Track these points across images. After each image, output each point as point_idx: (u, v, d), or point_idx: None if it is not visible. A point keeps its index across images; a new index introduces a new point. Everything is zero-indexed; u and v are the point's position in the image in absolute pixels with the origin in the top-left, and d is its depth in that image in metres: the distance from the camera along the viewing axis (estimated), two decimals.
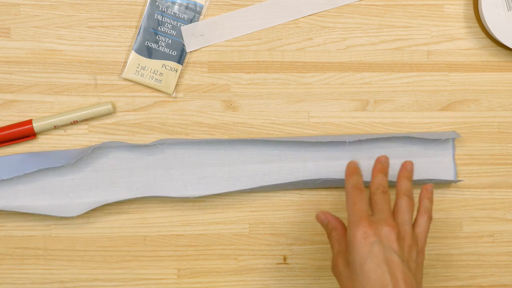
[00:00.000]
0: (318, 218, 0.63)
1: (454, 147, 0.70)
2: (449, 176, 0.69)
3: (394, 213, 0.60)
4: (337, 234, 0.61)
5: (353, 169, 0.62)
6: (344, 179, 0.62)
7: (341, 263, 0.58)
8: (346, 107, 0.69)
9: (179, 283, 0.69)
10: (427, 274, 0.70)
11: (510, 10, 0.67)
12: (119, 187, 0.67)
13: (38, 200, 0.67)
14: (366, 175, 0.68)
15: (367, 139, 0.68)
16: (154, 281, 0.69)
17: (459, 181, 0.69)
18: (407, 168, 0.64)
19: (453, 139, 0.69)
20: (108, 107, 0.67)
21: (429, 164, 0.69)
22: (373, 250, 0.56)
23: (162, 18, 0.67)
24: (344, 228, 0.61)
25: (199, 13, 0.68)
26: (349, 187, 0.60)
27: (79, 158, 0.66)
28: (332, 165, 0.69)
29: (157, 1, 0.67)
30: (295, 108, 0.69)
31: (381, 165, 0.63)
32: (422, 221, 0.61)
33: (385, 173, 0.62)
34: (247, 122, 0.69)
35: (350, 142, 0.68)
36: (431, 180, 0.68)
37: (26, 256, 0.68)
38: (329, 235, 0.62)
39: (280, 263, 0.70)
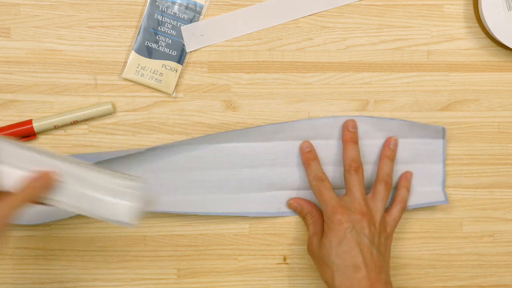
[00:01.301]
0: (291, 205, 0.68)
1: (444, 152, 0.69)
2: (437, 182, 0.69)
3: (370, 196, 0.65)
4: (312, 217, 0.66)
5: (308, 155, 0.67)
6: (303, 163, 0.67)
7: (315, 244, 0.64)
8: (346, 107, 0.69)
9: (179, 283, 0.69)
10: (427, 274, 0.71)
11: (510, 10, 0.67)
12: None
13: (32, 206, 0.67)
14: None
15: (358, 117, 0.68)
16: (154, 281, 0.69)
17: (446, 202, 0.69)
18: (390, 146, 0.67)
19: (444, 145, 0.69)
20: (108, 107, 0.67)
21: (419, 170, 0.69)
22: (347, 234, 0.62)
23: (162, 18, 0.68)
24: (319, 211, 0.67)
25: (199, 13, 0.68)
26: (310, 179, 0.65)
27: None
28: (325, 170, 0.68)
29: (157, 1, 0.67)
30: (295, 108, 0.69)
31: (350, 133, 0.67)
32: (395, 210, 0.66)
33: (355, 141, 0.66)
34: (247, 122, 0.69)
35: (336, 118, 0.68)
36: (419, 204, 0.69)
37: (26, 256, 0.68)
38: (304, 219, 0.67)
39: (280, 263, 0.70)
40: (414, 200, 0.69)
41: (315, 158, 0.67)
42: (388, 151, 0.67)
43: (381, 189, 0.65)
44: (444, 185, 0.70)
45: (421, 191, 0.69)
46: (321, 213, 0.67)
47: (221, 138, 0.67)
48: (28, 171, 0.57)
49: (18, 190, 0.56)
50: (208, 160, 0.68)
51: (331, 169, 0.68)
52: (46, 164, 0.58)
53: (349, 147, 0.66)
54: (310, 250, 0.65)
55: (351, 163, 0.65)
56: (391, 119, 0.68)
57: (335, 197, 0.64)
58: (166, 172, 0.68)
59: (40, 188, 0.56)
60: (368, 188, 0.67)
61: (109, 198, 0.58)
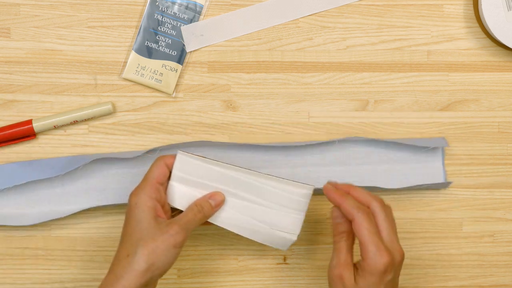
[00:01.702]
0: (333, 213, 0.61)
1: (443, 153, 0.69)
2: (439, 181, 0.69)
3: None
4: (347, 241, 0.59)
5: (338, 192, 0.60)
6: (335, 202, 0.60)
7: (347, 276, 0.58)
8: (346, 107, 0.69)
9: (179, 283, 0.69)
10: (427, 274, 0.70)
11: (510, 10, 0.67)
12: (108, 194, 0.67)
13: (28, 208, 0.66)
14: (357, 181, 0.68)
15: (356, 140, 0.68)
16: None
17: (449, 183, 0.69)
18: (337, 186, 0.61)
19: (443, 155, 0.70)
20: (108, 107, 0.67)
21: (419, 169, 0.69)
22: (387, 284, 0.57)
23: (162, 18, 0.68)
24: (353, 234, 0.60)
25: (199, 13, 0.68)
26: (354, 212, 0.58)
27: (69, 170, 0.65)
28: (321, 171, 0.68)
29: (157, 1, 0.67)
30: (295, 108, 0.69)
31: (348, 184, 0.62)
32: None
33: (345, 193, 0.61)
34: (247, 122, 0.69)
35: (339, 142, 0.68)
36: (420, 185, 0.68)
37: (26, 256, 0.68)
38: (338, 236, 0.60)
39: (280, 263, 0.70)
40: (412, 182, 0.69)
41: (347, 193, 0.61)
42: (345, 186, 0.61)
43: (388, 212, 0.60)
44: (445, 179, 0.69)
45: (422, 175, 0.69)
46: (354, 237, 0.60)
47: (220, 144, 0.67)
48: (200, 188, 0.61)
49: (191, 211, 0.60)
50: None
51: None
52: (218, 176, 0.61)
53: (363, 190, 0.60)
54: (338, 281, 0.58)
55: (378, 198, 0.59)
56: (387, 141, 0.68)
57: (379, 234, 0.58)
58: None
59: (211, 209, 0.61)
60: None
61: (279, 207, 0.61)
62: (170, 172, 0.61)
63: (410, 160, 0.69)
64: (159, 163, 0.61)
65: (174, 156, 0.61)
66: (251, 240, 0.69)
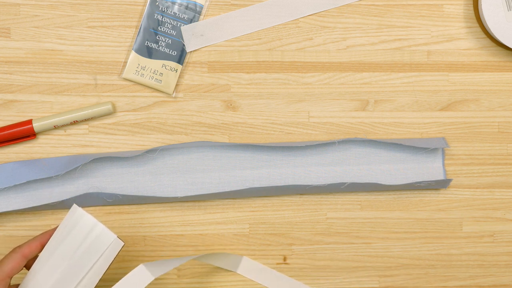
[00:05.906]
0: None
1: (443, 153, 0.70)
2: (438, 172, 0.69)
3: None
4: None
5: None
6: None
7: None
8: (346, 107, 0.69)
9: (179, 283, 0.69)
10: (427, 274, 0.71)
11: (510, 10, 0.67)
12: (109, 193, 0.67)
13: (28, 206, 0.67)
14: (357, 181, 0.68)
15: (356, 140, 0.68)
16: (154, 281, 0.69)
17: (449, 180, 0.69)
18: None
19: (443, 154, 0.70)
20: (108, 107, 0.67)
21: (419, 170, 0.69)
22: None
23: (162, 18, 0.68)
24: None
25: (199, 13, 0.68)
26: None
27: (68, 170, 0.65)
28: (321, 171, 0.69)
29: (157, 1, 0.67)
30: (295, 108, 0.69)
31: None
32: None
33: None
34: (247, 122, 0.69)
35: (339, 142, 0.68)
36: (420, 182, 0.68)
37: None
38: None
39: (280, 263, 0.70)
40: (412, 180, 0.69)
41: None
42: None
43: None
44: (445, 176, 0.70)
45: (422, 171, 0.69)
46: None
47: (220, 144, 0.68)
48: None
49: None
50: (208, 162, 0.68)
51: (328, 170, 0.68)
52: None
53: None
54: None
55: None
56: (386, 141, 0.68)
57: None
58: (166, 175, 0.68)
59: None
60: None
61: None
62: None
63: (410, 160, 0.69)
64: (15, 256, 0.56)
65: (31, 245, 0.57)
66: (251, 240, 0.70)
